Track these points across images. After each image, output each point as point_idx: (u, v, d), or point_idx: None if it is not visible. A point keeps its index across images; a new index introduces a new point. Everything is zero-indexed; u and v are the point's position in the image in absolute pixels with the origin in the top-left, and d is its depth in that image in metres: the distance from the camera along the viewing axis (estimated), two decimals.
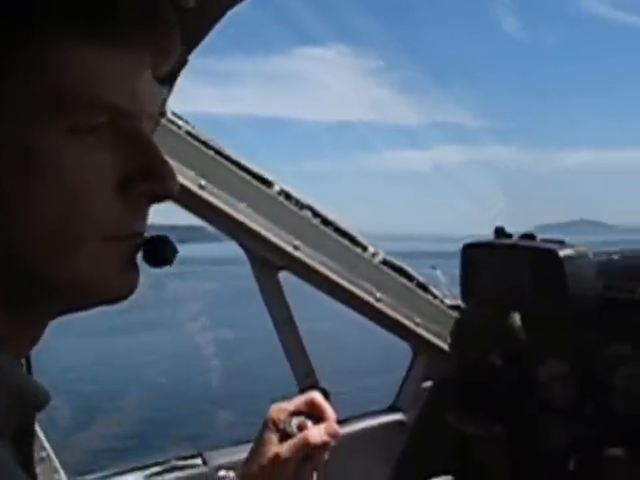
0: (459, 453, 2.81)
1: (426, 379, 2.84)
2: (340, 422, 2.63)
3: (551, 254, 2.17)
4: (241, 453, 1.44)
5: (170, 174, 0.77)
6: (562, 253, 2.15)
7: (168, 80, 1.78)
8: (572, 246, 2.19)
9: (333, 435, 1.40)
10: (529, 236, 2.37)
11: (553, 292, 2.21)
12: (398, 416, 2.82)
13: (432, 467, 2.71)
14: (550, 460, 2.53)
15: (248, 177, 2.32)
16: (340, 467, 2.46)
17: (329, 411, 1.42)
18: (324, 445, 1.39)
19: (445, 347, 2.81)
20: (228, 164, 2.29)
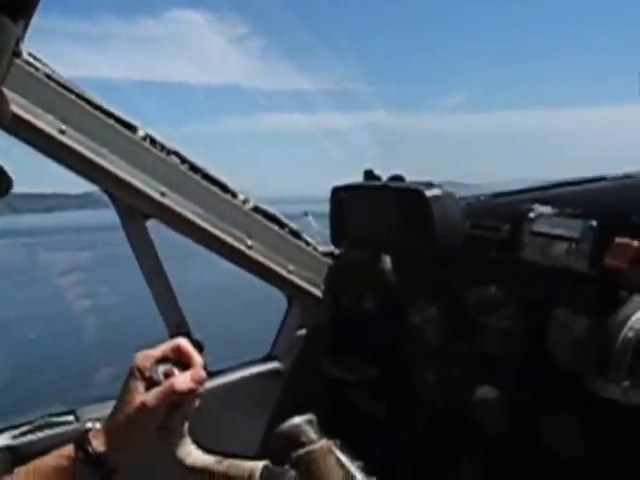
0: (335, 399, 2.85)
1: (301, 327, 2.86)
2: (215, 373, 2.64)
3: (418, 194, 2.20)
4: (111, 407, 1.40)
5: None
6: (429, 193, 2.18)
7: (20, 17, 1.70)
8: (440, 187, 2.23)
9: (199, 381, 1.38)
10: (398, 178, 2.40)
11: (420, 232, 2.25)
12: (274, 365, 2.82)
13: (306, 410, 2.74)
14: (423, 401, 2.59)
15: (111, 121, 2.25)
16: (216, 418, 2.47)
17: (196, 357, 1.40)
18: (191, 392, 1.37)
19: (319, 294, 2.82)
20: (89, 108, 2.21)
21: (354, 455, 1.35)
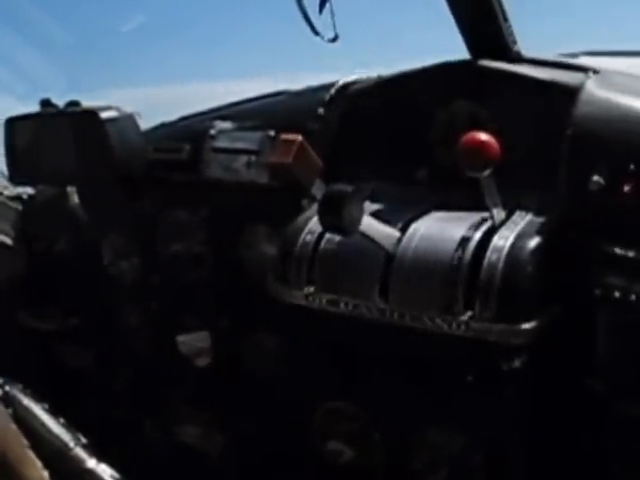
0: (36, 353, 2.73)
1: None
2: None
3: (92, 117, 2.12)
4: None
5: None
6: (104, 115, 2.11)
7: None
8: (117, 108, 2.16)
9: None
10: (74, 103, 2.29)
11: (98, 159, 2.18)
12: None
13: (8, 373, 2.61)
14: (129, 343, 2.55)
15: None
16: None
17: None
18: None
19: (9, 242, 2.67)
20: None
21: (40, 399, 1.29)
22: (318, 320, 1.72)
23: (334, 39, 1.78)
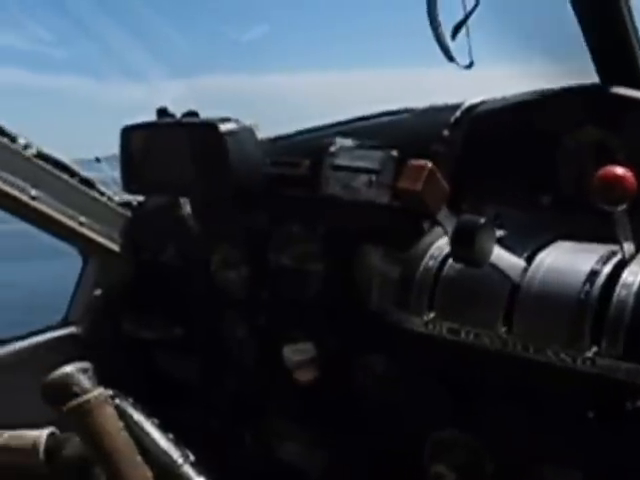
0: (138, 362, 2.79)
1: (99, 285, 2.77)
2: (6, 341, 2.51)
3: (211, 129, 2.16)
4: None
5: None
6: (224, 127, 2.15)
7: None
8: (237, 121, 2.19)
9: None
10: (192, 114, 2.34)
11: (215, 171, 2.21)
12: (71, 330, 2.73)
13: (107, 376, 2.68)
14: (235, 354, 2.58)
15: None
16: (8, 387, 2.36)
17: None
18: None
19: (116, 249, 2.74)
20: None
21: (149, 413, 1.32)
22: (436, 347, 1.72)
23: (469, 65, 1.78)
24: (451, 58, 1.78)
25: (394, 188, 1.80)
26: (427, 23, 1.79)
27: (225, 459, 2.36)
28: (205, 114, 2.35)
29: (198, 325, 2.65)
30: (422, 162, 1.59)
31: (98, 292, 2.77)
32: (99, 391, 1.27)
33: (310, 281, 2.21)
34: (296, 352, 2.32)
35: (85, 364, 1.32)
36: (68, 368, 1.29)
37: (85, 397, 1.25)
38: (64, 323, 2.76)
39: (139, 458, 1.24)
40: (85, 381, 1.28)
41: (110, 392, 1.29)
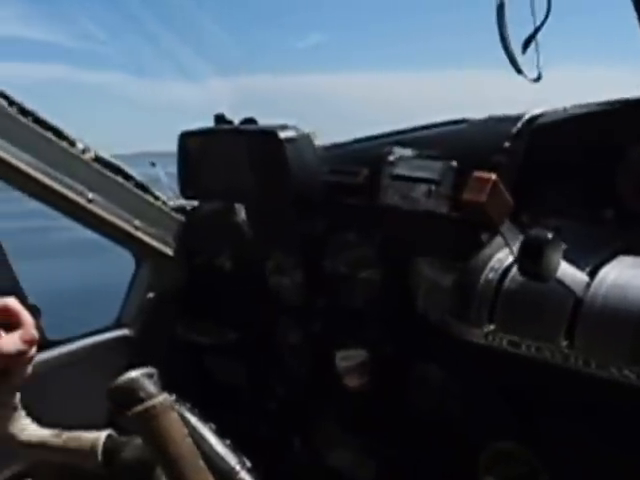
0: (190, 366, 2.81)
1: (151, 289, 2.79)
2: (61, 342, 2.54)
3: (271, 136, 2.18)
4: None
5: None
6: (283, 135, 2.16)
7: None
8: (295, 128, 2.21)
9: (30, 342, 1.29)
10: (250, 120, 2.36)
11: (274, 178, 2.23)
12: (123, 331, 2.76)
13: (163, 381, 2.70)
14: (286, 362, 2.59)
15: None
16: (59, 390, 2.39)
17: (25, 316, 1.32)
18: (21, 355, 1.29)
19: (170, 252, 2.77)
20: None
21: (206, 418, 1.33)
22: (495, 359, 1.72)
23: (537, 78, 1.78)
24: (519, 71, 1.78)
25: (457, 199, 1.79)
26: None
27: (274, 465, 2.38)
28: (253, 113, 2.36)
29: (250, 330, 2.67)
30: (487, 174, 1.59)
31: (151, 295, 2.79)
32: (164, 396, 1.28)
33: (366, 289, 2.21)
34: (345, 358, 2.33)
35: (150, 369, 1.33)
36: (134, 373, 1.30)
37: (151, 402, 1.26)
38: (117, 325, 2.79)
39: (202, 464, 1.26)
40: (151, 386, 1.29)
41: (174, 397, 1.30)
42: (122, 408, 1.27)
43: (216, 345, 2.76)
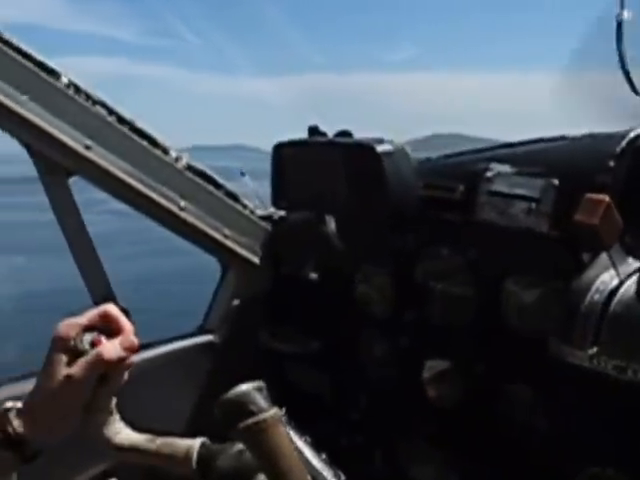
0: (273, 374, 2.83)
1: (236, 296, 2.83)
2: (146, 346, 2.59)
3: (368, 150, 2.19)
4: (32, 385, 1.33)
5: None
6: (380, 149, 2.17)
7: None
8: (391, 142, 2.21)
9: (130, 349, 1.32)
10: (345, 133, 2.38)
11: (371, 192, 2.24)
12: (208, 337, 2.79)
13: None
14: (369, 375, 2.59)
15: (30, 65, 2.16)
16: (145, 394, 2.43)
17: (126, 323, 1.34)
18: (121, 362, 1.32)
19: (257, 261, 2.80)
20: (6, 49, 2.12)
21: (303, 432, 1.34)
22: (597, 382, 1.70)
23: None
24: (637, 93, 1.76)
25: (563, 219, 1.78)
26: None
27: (354, 477, 2.38)
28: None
29: (335, 341, 2.68)
30: (599, 196, 1.58)
31: (236, 302, 2.82)
32: (275, 410, 1.29)
33: (457, 304, 2.21)
34: (429, 368, 2.33)
35: (260, 383, 1.35)
36: (244, 386, 1.32)
37: (262, 416, 1.27)
38: (201, 331, 2.83)
39: (310, 478, 1.27)
40: (261, 400, 1.31)
41: (283, 412, 1.31)
42: (232, 421, 1.28)
43: (299, 353, 2.77)
